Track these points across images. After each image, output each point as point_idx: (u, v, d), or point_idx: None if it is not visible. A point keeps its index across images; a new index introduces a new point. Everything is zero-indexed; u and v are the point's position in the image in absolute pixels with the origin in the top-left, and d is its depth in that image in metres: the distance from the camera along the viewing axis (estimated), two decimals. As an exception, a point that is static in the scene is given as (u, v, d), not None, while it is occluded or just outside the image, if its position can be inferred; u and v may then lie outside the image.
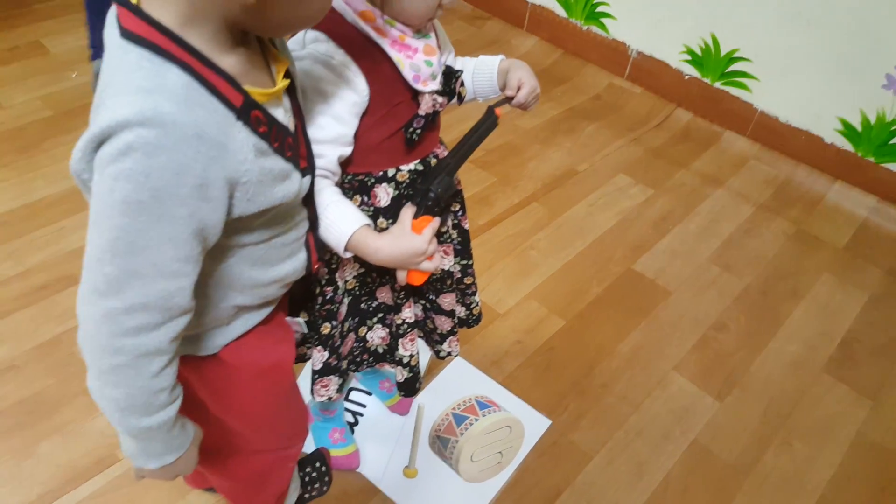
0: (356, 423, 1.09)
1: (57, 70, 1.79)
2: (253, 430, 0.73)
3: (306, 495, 0.97)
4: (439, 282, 0.81)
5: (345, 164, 0.68)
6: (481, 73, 0.78)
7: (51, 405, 1.06)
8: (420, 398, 1.14)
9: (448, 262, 0.80)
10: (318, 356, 0.79)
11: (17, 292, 1.22)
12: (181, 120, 0.43)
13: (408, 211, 0.68)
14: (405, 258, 0.66)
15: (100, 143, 0.44)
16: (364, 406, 1.12)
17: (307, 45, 0.63)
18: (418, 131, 0.68)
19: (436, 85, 0.68)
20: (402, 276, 0.69)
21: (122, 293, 0.47)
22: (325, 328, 0.77)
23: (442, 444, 1.07)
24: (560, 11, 2.08)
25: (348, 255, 0.67)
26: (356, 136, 0.66)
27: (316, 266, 0.67)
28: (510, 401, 1.14)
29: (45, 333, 1.16)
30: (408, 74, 0.65)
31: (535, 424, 1.11)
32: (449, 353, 0.89)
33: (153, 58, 0.44)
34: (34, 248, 1.31)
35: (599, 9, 1.99)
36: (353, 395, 1.13)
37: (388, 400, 1.12)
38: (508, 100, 0.77)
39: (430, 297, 0.83)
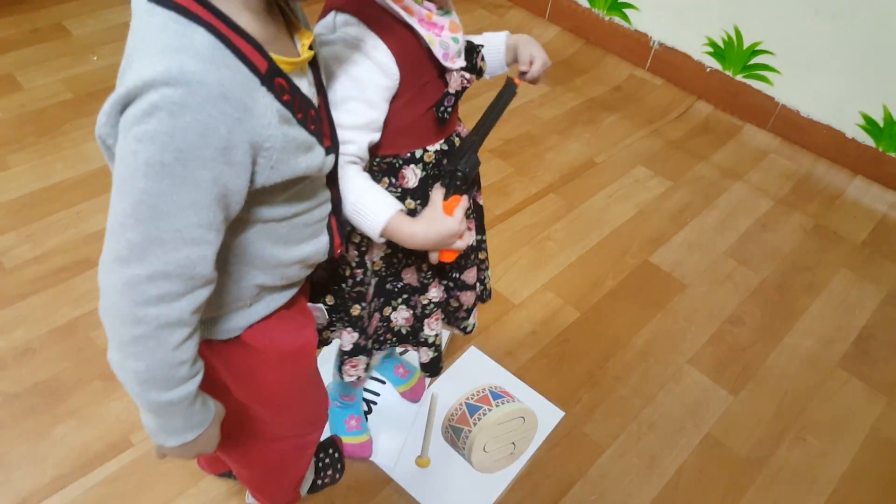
0: (370, 411, 1.10)
1: (78, 53, 1.79)
2: (274, 414, 0.73)
3: (319, 482, 0.97)
4: (463, 258, 0.81)
5: (373, 147, 0.67)
6: (489, 49, 0.78)
7: (66, 389, 1.07)
8: (434, 387, 1.14)
9: (472, 238, 0.80)
10: (348, 337, 0.80)
11: (34, 275, 1.23)
12: (207, 79, 0.43)
13: (438, 193, 0.68)
14: (440, 240, 0.66)
15: (125, 104, 0.44)
16: (378, 395, 1.12)
17: (338, 29, 0.63)
18: (449, 110, 0.68)
19: (462, 62, 0.68)
20: (434, 256, 0.70)
21: (145, 260, 0.46)
22: (355, 310, 0.77)
23: (455, 433, 1.07)
24: (582, 1, 2.05)
25: (382, 240, 0.67)
26: (385, 119, 0.65)
27: (339, 250, 0.67)
28: (524, 391, 1.15)
29: (61, 317, 1.17)
30: (438, 52, 0.65)
31: (548, 415, 1.11)
32: (474, 325, 0.91)
33: (179, 19, 0.44)
34: (52, 232, 1.32)
35: (620, -2, 1.95)
36: (368, 384, 1.14)
37: (401, 385, 1.12)
38: (522, 75, 0.78)
39: (455, 275, 0.83)
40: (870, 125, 1.65)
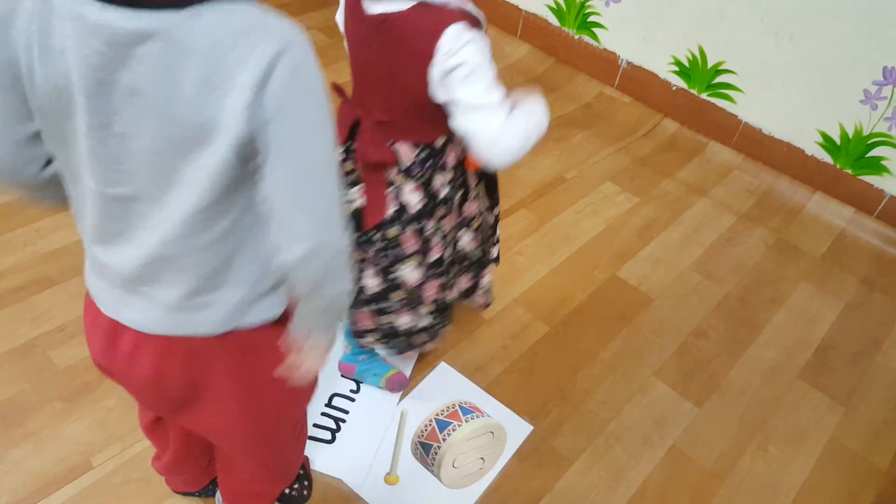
0: (338, 429, 1.11)
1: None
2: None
3: (289, 491, 0.98)
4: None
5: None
6: None
7: (23, 411, 1.06)
8: (403, 403, 1.16)
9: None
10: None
11: (-4, 291, 1.22)
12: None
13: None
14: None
15: (266, 77, 0.47)
16: (347, 412, 1.13)
17: (466, 45, 0.74)
18: None
19: None
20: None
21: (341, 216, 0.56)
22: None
23: (424, 450, 1.09)
24: (553, 20, 2.12)
25: None
26: None
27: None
28: (493, 406, 1.17)
29: (19, 337, 1.16)
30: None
31: (517, 430, 1.14)
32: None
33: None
34: (10, 249, 1.30)
35: (591, 18, 2.03)
36: (336, 402, 1.15)
37: (385, 374, 1.14)
38: None
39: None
40: (828, 143, 1.74)
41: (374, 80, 0.83)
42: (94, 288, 0.64)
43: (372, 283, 0.98)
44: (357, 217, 0.92)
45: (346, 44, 0.85)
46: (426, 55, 0.75)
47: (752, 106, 1.83)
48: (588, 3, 2.02)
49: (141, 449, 1.03)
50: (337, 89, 0.88)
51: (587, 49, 2.08)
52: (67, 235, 1.34)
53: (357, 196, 0.92)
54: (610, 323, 1.36)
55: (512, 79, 2.06)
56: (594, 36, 2.06)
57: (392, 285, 0.97)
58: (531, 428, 1.14)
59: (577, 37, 2.09)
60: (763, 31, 1.72)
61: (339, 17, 0.85)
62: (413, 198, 0.89)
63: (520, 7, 2.18)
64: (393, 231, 0.92)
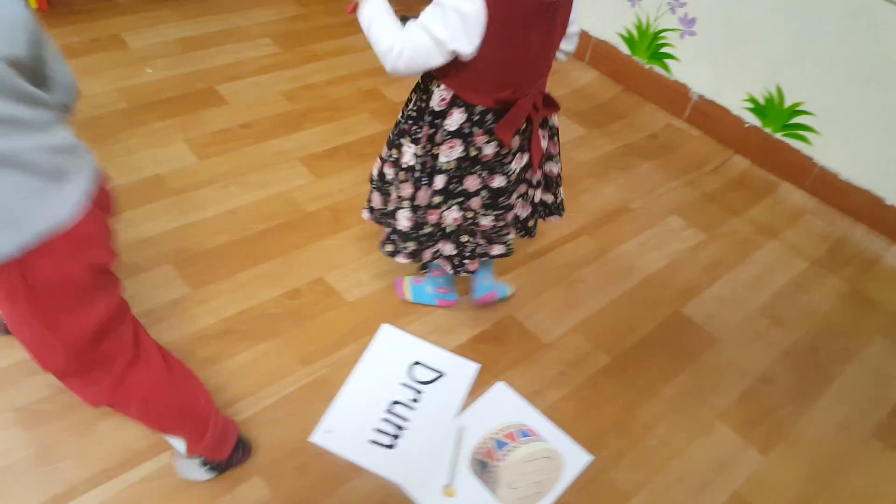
0: (398, 436, 1.15)
1: (134, 64, 1.93)
2: None
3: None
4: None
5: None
6: None
7: (112, 386, 1.14)
8: (460, 419, 1.19)
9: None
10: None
11: (86, 274, 1.32)
12: None
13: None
14: None
15: None
16: (407, 420, 1.17)
17: None
18: None
19: None
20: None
21: None
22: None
23: (481, 467, 1.12)
24: (623, 48, 2.16)
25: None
26: None
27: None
28: (552, 431, 1.19)
29: (110, 316, 1.25)
30: None
31: (575, 458, 1.15)
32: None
33: None
34: (104, 234, 1.41)
35: (664, 49, 2.06)
36: (397, 409, 1.19)
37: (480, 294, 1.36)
38: None
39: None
40: (909, 193, 1.71)
41: (534, 57, 1.01)
42: None
43: (523, 212, 1.24)
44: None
45: (481, 33, 0.92)
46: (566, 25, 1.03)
47: (830, 149, 1.82)
48: (662, 34, 2.05)
49: (212, 438, 1.09)
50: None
51: (657, 79, 2.11)
52: (154, 226, 1.45)
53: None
54: (672, 360, 1.36)
55: (577, 104, 2.10)
56: (665, 67, 2.09)
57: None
58: (591, 458, 1.15)
59: (647, 66, 2.12)
60: (846, 75, 1.71)
61: (479, 8, 0.90)
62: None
63: (590, 34, 2.23)
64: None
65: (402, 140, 1.11)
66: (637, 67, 2.15)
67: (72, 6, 2.14)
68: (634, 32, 2.12)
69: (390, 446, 1.13)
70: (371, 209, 1.26)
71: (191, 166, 1.62)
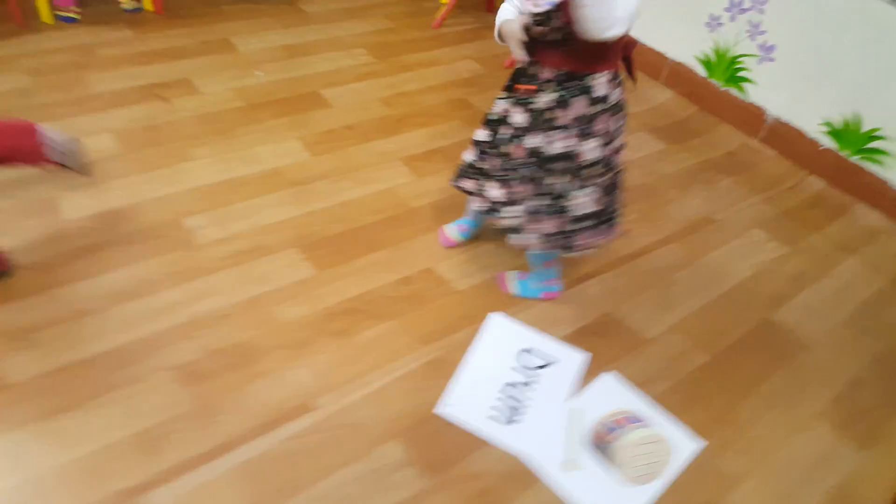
0: (514, 413, 1.25)
1: (244, 66, 2.11)
2: None
3: None
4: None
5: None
6: None
7: (255, 353, 1.27)
8: (573, 403, 1.29)
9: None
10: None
11: (222, 253, 1.46)
12: None
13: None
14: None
15: None
16: (521, 402, 1.27)
17: None
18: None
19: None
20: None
21: None
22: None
23: (597, 447, 1.21)
24: (700, 70, 2.29)
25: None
26: None
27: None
28: (661, 418, 1.28)
29: (246, 292, 1.38)
30: None
31: (685, 443, 1.24)
32: None
33: None
34: (234, 218, 1.55)
35: (741, 73, 2.18)
36: (511, 391, 1.29)
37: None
38: None
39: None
40: None
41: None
42: None
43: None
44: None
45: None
46: None
47: (906, 173, 1.90)
48: (739, 59, 2.17)
49: (355, 399, 1.21)
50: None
51: (733, 101, 2.22)
52: (278, 213, 1.59)
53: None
54: (766, 362, 1.44)
55: (656, 120, 2.22)
56: (741, 89, 2.20)
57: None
58: (704, 443, 1.24)
59: (723, 88, 2.24)
60: (926, 103, 1.81)
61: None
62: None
63: (666, 56, 2.36)
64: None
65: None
66: (713, 89, 2.27)
67: (183, 11, 2.34)
68: (712, 56, 2.24)
69: (509, 423, 1.23)
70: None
71: (305, 161, 1.77)
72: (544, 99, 1.19)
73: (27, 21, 2.11)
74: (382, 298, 1.43)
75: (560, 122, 1.20)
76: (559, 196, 1.27)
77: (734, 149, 2.15)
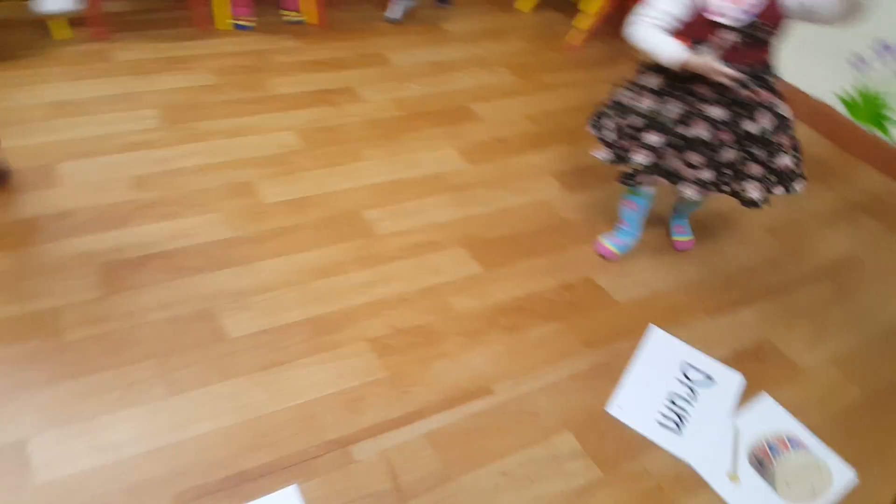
0: (680, 425, 1.32)
1: (399, 79, 2.31)
2: None
3: None
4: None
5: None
6: None
7: (435, 337, 1.41)
8: (734, 420, 1.34)
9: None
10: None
11: (399, 245, 1.62)
12: None
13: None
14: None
15: None
16: (686, 413, 1.34)
17: None
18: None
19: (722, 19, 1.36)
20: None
21: None
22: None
23: (759, 463, 1.26)
24: (841, 110, 2.31)
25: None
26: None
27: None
28: (818, 446, 1.32)
29: (423, 281, 1.53)
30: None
31: (842, 473, 1.27)
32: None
33: None
34: (406, 214, 1.72)
35: (887, 114, 2.19)
36: (676, 401, 1.36)
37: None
38: None
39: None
40: None
41: None
42: None
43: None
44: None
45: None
46: None
47: None
48: (885, 101, 2.18)
49: (530, 389, 1.32)
50: None
51: (876, 143, 2.23)
52: (443, 214, 1.74)
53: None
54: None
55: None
56: (885, 131, 2.20)
57: None
58: (856, 475, 1.27)
59: (865, 128, 2.25)
60: None
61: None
62: None
63: (809, 94, 2.39)
64: None
65: None
66: (855, 129, 2.28)
67: (341, 25, 2.59)
68: (858, 99, 2.26)
69: (676, 429, 1.31)
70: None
71: (463, 169, 1.93)
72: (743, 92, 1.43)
73: (207, 26, 2.41)
74: (545, 301, 1.54)
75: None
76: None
77: (879, 192, 2.15)
